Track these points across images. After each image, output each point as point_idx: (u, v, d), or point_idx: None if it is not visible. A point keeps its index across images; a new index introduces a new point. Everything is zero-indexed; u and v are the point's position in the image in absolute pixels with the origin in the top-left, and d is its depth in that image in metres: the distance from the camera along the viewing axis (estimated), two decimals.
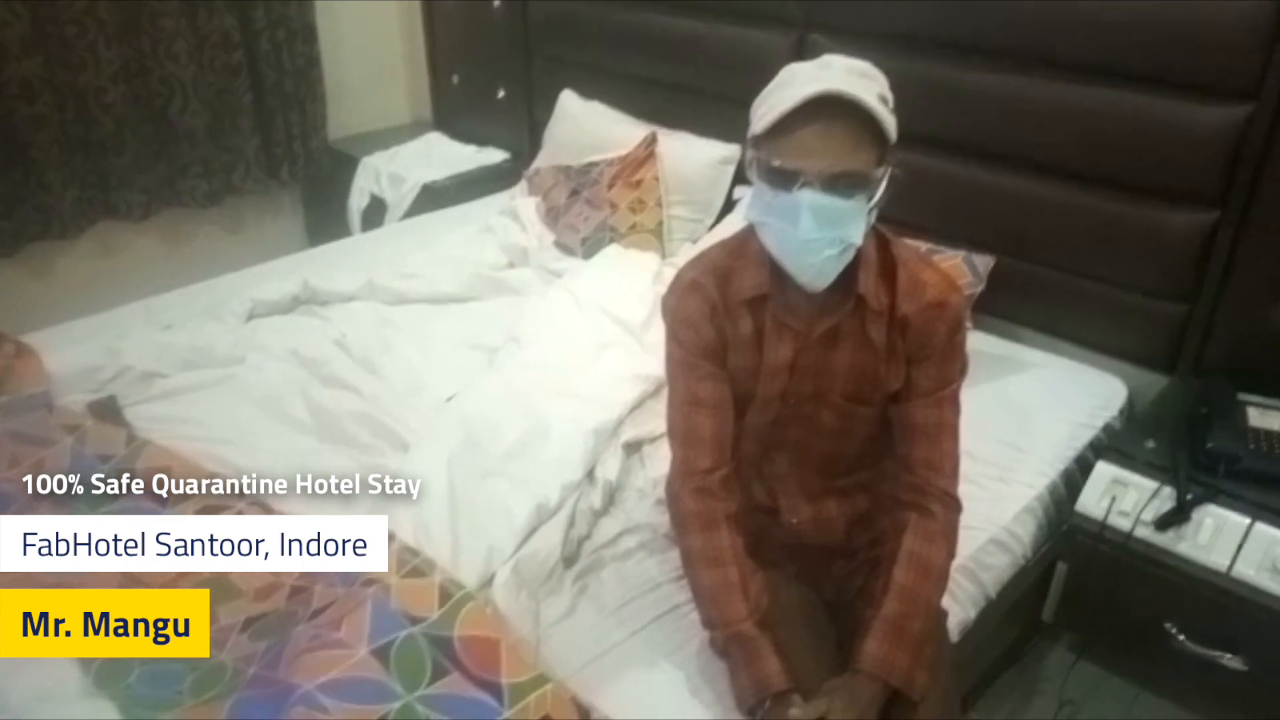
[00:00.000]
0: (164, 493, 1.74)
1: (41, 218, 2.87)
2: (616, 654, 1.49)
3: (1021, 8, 2.12)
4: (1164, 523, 1.74)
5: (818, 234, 1.24)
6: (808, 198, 1.23)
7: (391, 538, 1.49)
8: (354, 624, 1.33)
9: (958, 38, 2.24)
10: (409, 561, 1.44)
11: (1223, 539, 1.71)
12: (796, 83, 1.24)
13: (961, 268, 2.22)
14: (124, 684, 1.34)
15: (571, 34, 3.14)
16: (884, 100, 1.26)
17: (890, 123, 1.26)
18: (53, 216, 2.88)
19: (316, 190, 3.57)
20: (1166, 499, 1.76)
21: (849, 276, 1.34)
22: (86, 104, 2.86)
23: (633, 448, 1.95)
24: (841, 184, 1.23)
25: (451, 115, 3.69)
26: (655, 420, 1.89)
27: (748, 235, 1.41)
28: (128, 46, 2.91)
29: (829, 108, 1.22)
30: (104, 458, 1.79)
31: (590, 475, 1.84)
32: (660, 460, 1.70)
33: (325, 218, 3.53)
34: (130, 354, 2.14)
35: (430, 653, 1.33)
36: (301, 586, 1.55)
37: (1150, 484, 1.79)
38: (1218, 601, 1.70)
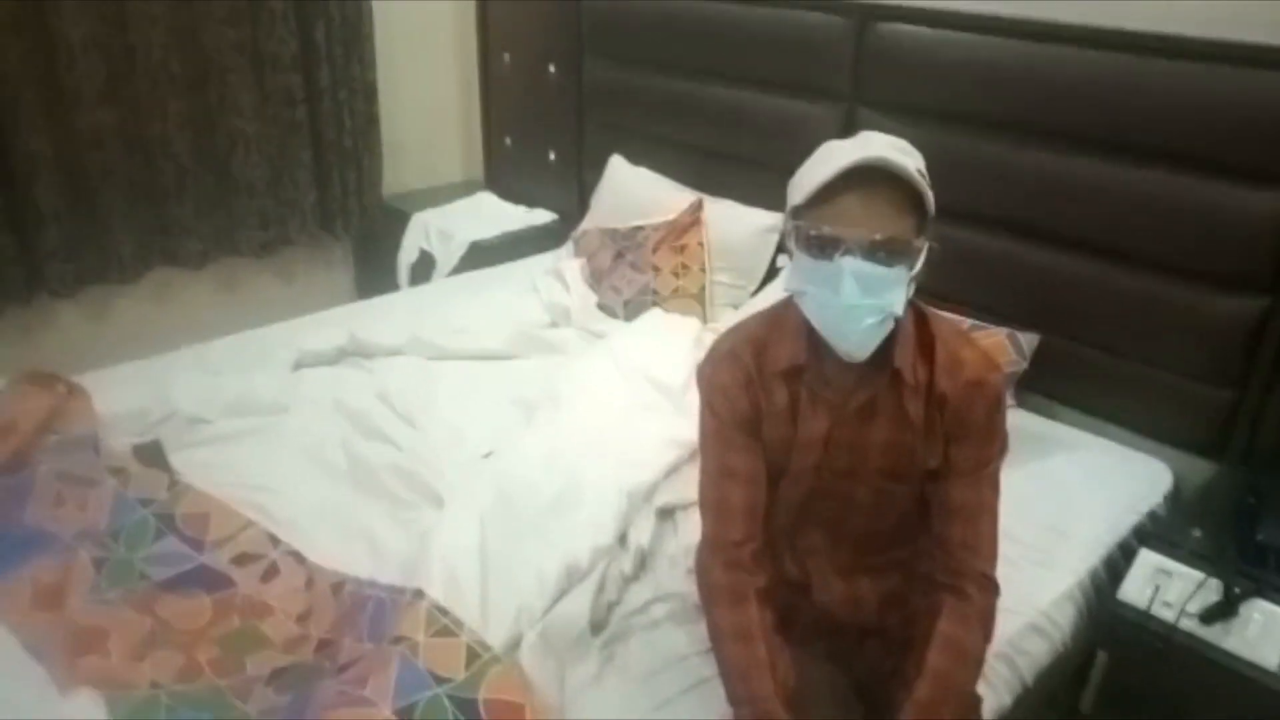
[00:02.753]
0: (201, 538, 1.77)
1: (102, 261, 2.96)
2: None
3: (1073, 88, 2.13)
4: (1210, 616, 1.69)
5: (860, 301, 1.24)
6: (850, 265, 1.24)
7: (421, 595, 1.49)
8: (380, 682, 1.33)
9: (1007, 116, 2.25)
10: (438, 620, 1.43)
11: (1272, 636, 1.65)
12: (836, 155, 1.26)
13: (1005, 345, 2.21)
14: None
15: (623, 101, 3.20)
16: (922, 175, 1.27)
17: (929, 195, 1.27)
18: (113, 260, 2.98)
19: (368, 244, 3.64)
20: (1213, 591, 1.71)
21: (886, 350, 1.34)
22: (153, 154, 2.97)
23: (666, 514, 1.94)
24: (883, 252, 1.24)
25: (503, 176, 3.77)
26: (690, 486, 1.86)
27: (785, 307, 1.42)
28: (196, 99, 3.02)
29: (870, 177, 1.24)
30: (145, 501, 1.82)
31: (623, 540, 1.83)
32: (693, 528, 1.68)
33: (375, 271, 3.60)
34: (178, 398, 2.19)
35: (454, 714, 1.32)
36: (330, 640, 1.55)
37: (1196, 575, 1.74)
38: (1266, 702, 1.63)
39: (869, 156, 1.23)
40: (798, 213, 1.30)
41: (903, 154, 1.27)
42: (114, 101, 2.83)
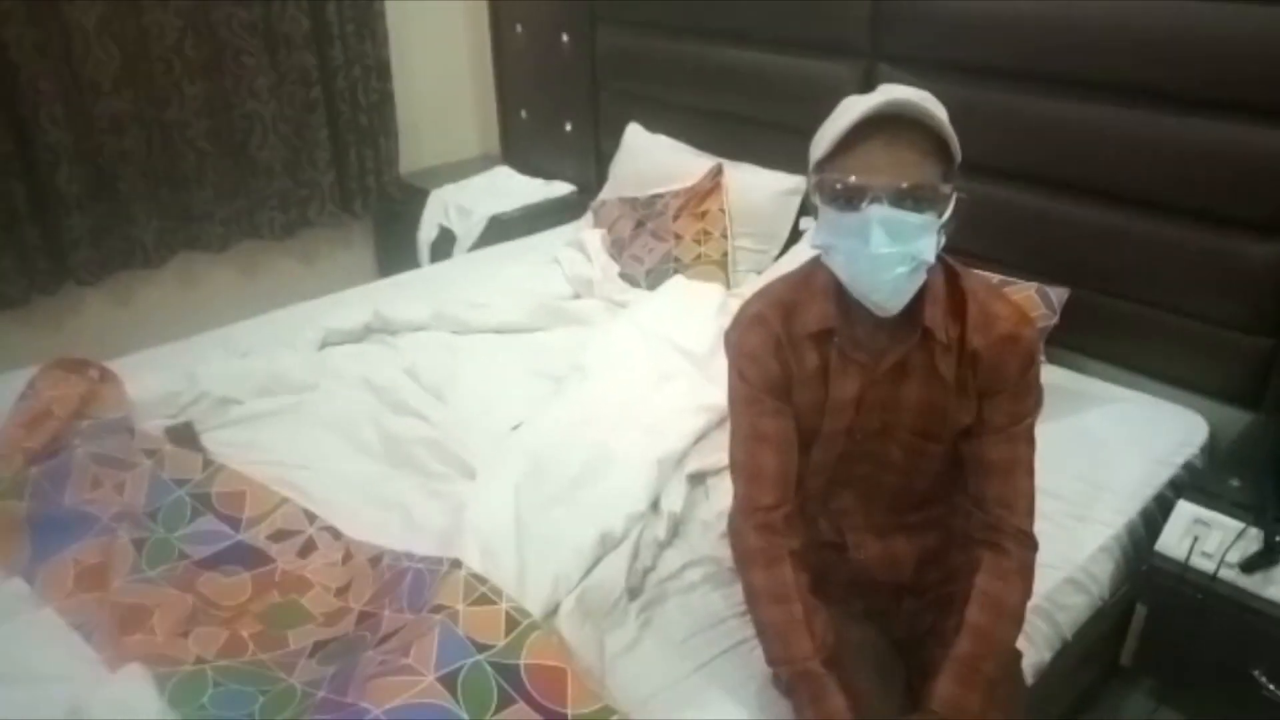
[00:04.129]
0: (238, 516, 1.79)
1: (126, 248, 2.98)
2: (681, 688, 1.47)
3: (1094, 36, 2.09)
4: (1250, 565, 1.68)
5: (890, 249, 1.22)
6: (877, 212, 1.22)
7: (458, 565, 1.50)
8: (422, 650, 1.34)
9: (1031, 67, 2.21)
10: (476, 589, 1.44)
11: None
12: (858, 105, 1.24)
13: (1034, 299, 2.18)
14: (197, 704, 1.36)
15: (638, 68, 3.17)
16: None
17: (954, 140, 1.25)
18: (137, 247, 2.99)
19: (388, 222, 3.64)
20: (1253, 540, 1.70)
21: (916, 309, 1.32)
22: (172, 139, 2.98)
23: (697, 479, 1.94)
24: (910, 198, 1.22)
25: (520, 149, 3.76)
26: (720, 452, 1.86)
27: (812, 269, 1.41)
28: (211, 83, 3.02)
29: (894, 123, 1.22)
30: (181, 481, 1.84)
31: (655, 506, 1.84)
32: (725, 493, 1.69)
33: (396, 249, 3.60)
34: (207, 380, 2.20)
35: (497, 681, 1.33)
36: (370, 612, 1.57)
37: (1235, 524, 1.72)
38: None
39: (891, 100, 1.21)
40: (821, 166, 1.29)
41: (925, 101, 1.25)
42: (130, 87, 2.84)
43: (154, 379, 2.20)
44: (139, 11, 2.80)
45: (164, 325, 2.71)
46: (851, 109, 1.24)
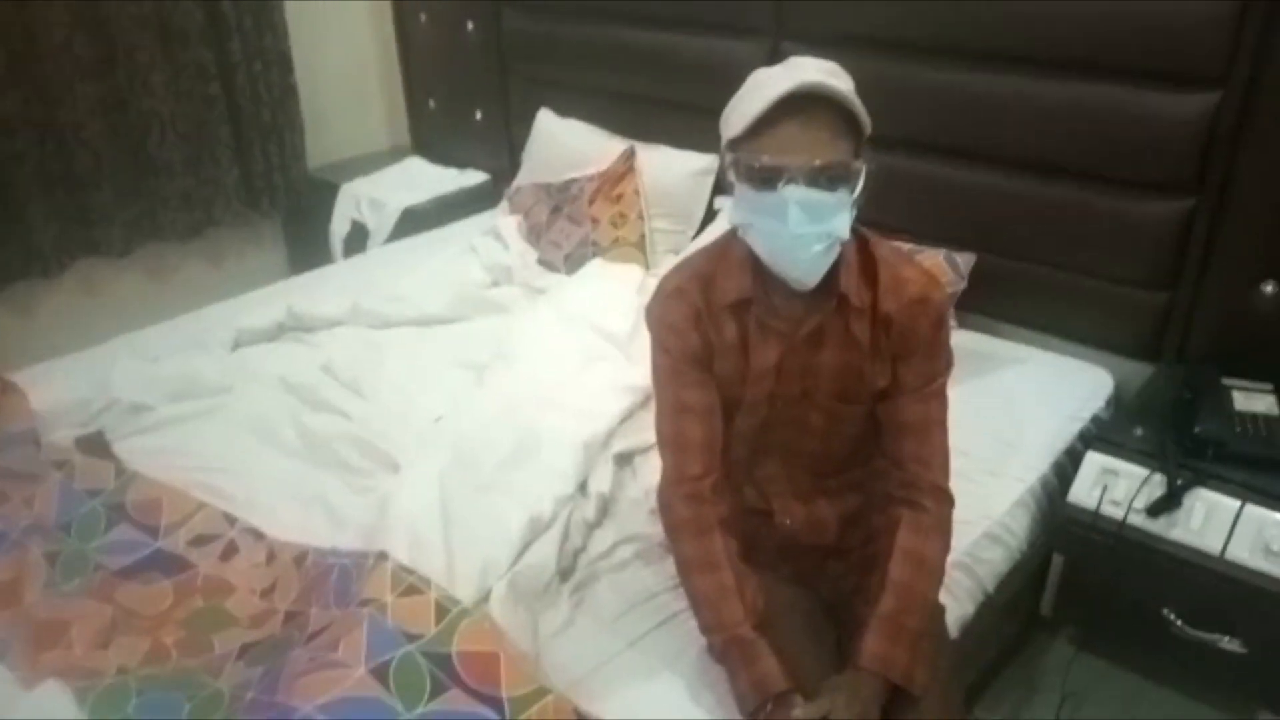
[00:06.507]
0: (155, 523, 1.74)
1: (23, 256, 2.87)
2: (616, 664, 1.48)
3: (993, 8, 2.14)
4: (1156, 509, 1.75)
5: (808, 228, 1.25)
6: (794, 193, 1.24)
7: (385, 557, 1.48)
8: (351, 644, 1.32)
9: (928, 38, 2.26)
10: (404, 580, 1.43)
11: (1214, 523, 1.72)
12: (769, 83, 1.25)
13: (943, 266, 2.24)
14: (121, 714, 1.32)
15: (546, 53, 3.15)
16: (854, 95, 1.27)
17: (864, 114, 1.27)
18: (34, 254, 2.88)
19: (298, 219, 3.56)
20: (1157, 486, 1.77)
21: (830, 276, 1.35)
22: (65, 139, 2.86)
23: (624, 459, 1.95)
24: (825, 177, 1.25)
25: (430, 139, 3.71)
26: (645, 431, 1.88)
27: (729, 241, 1.42)
28: (104, 81, 2.91)
29: (806, 102, 1.24)
30: (93, 492, 1.78)
31: (583, 488, 1.84)
32: (651, 470, 1.70)
33: (307, 246, 3.53)
34: (117, 387, 2.13)
35: (429, 669, 1.32)
36: (296, 611, 1.54)
37: (1141, 471, 1.80)
38: (1213, 585, 1.71)
39: (804, 82, 1.23)
40: (735, 145, 1.30)
41: (833, 77, 1.27)
42: (17, 87, 2.72)
43: (62, 388, 2.12)
44: (21, 8, 2.69)
45: (69, 335, 2.62)
46: (764, 86, 1.26)
